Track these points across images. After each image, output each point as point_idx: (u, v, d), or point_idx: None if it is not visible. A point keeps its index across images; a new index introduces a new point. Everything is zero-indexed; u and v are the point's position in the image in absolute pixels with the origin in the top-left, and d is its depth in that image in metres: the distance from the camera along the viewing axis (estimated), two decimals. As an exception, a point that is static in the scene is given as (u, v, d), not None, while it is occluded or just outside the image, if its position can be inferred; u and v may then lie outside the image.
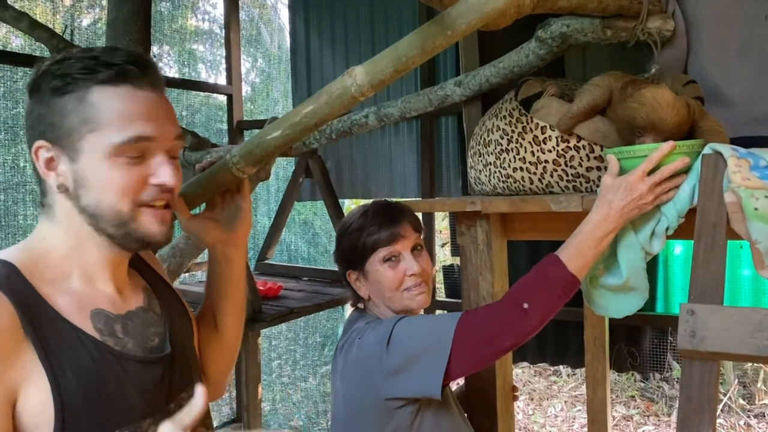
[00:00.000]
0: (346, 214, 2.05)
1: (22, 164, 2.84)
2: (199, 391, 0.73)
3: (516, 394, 1.68)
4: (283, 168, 4.53)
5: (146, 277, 1.01)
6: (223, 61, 5.49)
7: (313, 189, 3.49)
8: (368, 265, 1.37)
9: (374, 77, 1.00)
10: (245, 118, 3.89)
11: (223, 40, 5.20)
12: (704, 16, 1.57)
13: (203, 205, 1.11)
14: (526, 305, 1.18)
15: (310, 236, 5.05)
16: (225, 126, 3.98)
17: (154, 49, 4.04)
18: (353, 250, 1.38)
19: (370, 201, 1.48)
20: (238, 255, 1.10)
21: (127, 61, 0.83)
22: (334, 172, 3.41)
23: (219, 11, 5.35)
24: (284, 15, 6.48)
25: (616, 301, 1.34)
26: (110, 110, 0.81)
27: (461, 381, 1.69)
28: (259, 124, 3.88)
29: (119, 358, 0.84)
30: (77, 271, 0.86)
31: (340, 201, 3.24)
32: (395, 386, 1.25)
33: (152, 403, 0.87)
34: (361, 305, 1.45)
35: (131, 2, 1.91)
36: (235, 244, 1.08)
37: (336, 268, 1.50)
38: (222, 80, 4.98)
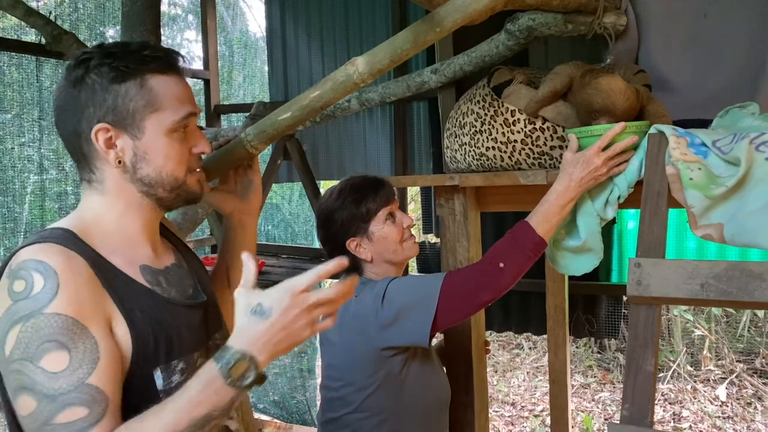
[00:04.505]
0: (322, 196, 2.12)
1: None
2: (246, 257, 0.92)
3: (488, 348, 1.89)
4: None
5: (171, 240, 1.16)
6: (185, 45, 5.53)
7: (290, 171, 3.61)
8: (372, 226, 1.53)
9: (374, 66, 1.16)
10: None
11: (183, 24, 5.26)
12: (653, 12, 1.76)
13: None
14: (502, 264, 1.37)
15: (279, 220, 5.17)
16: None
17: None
18: (354, 218, 1.52)
19: (337, 182, 1.64)
20: (251, 222, 1.29)
21: (166, 54, 1.00)
22: (310, 154, 3.51)
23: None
24: (247, -1, 6.49)
25: (575, 260, 1.54)
26: (167, 94, 0.98)
27: (441, 336, 1.88)
28: (237, 108, 3.97)
29: (168, 303, 1.00)
30: (122, 233, 1.00)
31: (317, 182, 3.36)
32: (389, 337, 1.43)
33: (198, 340, 1.03)
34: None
35: (144, -4, 2.03)
36: (250, 212, 1.27)
37: (314, 246, 1.66)
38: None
